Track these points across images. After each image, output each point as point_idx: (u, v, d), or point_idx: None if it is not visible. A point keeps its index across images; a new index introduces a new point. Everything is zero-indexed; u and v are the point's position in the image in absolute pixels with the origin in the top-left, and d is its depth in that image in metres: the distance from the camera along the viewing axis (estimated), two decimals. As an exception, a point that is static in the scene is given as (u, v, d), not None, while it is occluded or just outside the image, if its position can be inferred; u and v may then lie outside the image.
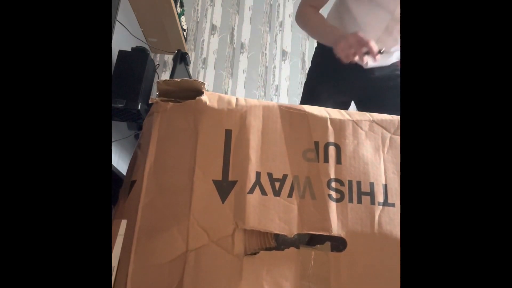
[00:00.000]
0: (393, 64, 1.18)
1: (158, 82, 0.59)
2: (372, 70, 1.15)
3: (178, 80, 0.58)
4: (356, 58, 0.87)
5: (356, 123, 0.60)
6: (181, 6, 2.02)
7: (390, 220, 0.56)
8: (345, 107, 1.15)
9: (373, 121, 0.61)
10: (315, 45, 1.29)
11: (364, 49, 0.86)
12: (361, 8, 1.05)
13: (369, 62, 1.10)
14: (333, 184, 0.56)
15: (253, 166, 0.55)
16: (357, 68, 1.14)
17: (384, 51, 0.86)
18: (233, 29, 2.64)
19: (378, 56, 0.86)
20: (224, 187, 0.54)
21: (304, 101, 1.22)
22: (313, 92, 1.19)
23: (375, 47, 0.85)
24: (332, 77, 1.17)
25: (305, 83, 1.26)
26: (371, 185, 0.57)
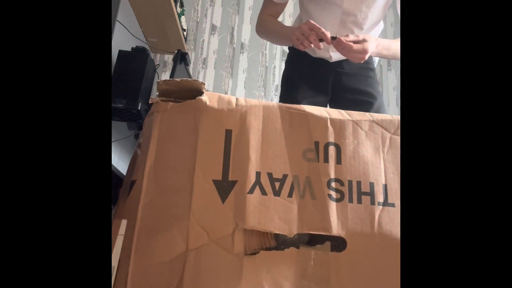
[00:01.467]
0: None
1: (158, 82, 0.59)
2: (340, 64, 1.17)
3: (178, 80, 0.58)
4: (311, 45, 0.92)
5: (356, 123, 0.60)
6: (181, 6, 2.02)
7: (390, 220, 0.56)
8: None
9: (373, 121, 0.61)
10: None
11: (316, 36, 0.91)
12: (314, 6, 1.10)
13: (332, 55, 1.14)
14: (333, 184, 0.56)
15: (253, 166, 0.55)
16: (327, 63, 1.17)
17: (337, 37, 0.91)
18: (233, 29, 2.64)
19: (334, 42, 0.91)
20: (224, 187, 0.54)
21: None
22: (289, 94, 1.20)
23: (327, 32, 0.90)
24: (306, 77, 1.19)
25: (281, 86, 1.27)
26: (371, 185, 0.57)
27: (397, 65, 2.75)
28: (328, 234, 0.53)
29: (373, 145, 0.60)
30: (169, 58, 2.49)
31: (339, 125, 0.59)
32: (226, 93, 2.51)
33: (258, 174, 0.55)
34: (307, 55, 1.19)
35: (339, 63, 1.17)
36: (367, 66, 1.18)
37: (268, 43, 2.64)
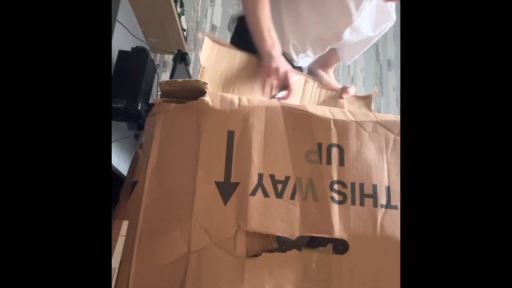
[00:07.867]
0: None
1: (160, 83, 0.59)
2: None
3: (181, 80, 0.57)
4: (268, 91, 0.77)
5: (359, 124, 0.60)
6: (181, 6, 2.02)
7: (393, 222, 0.55)
8: None
9: (377, 122, 0.61)
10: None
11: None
12: (311, 12, 0.92)
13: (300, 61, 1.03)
14: (335, 186, 0.56)
15: (256, 167, 0.55)
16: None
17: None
18: (233, 29, 2.63)
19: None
20: (226, 188, 0.53)
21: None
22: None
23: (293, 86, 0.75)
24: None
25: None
26: (374, 187, 0.57)
27: (397, 65, 2.74)
28: (330, 236, 0.53)
29: (377, 146, 0.59)
30: (169, 58, 2.48)
31: (342, 126, 0.59)
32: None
33: (260, 176, 0.54)
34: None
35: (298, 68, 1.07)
36: None
37: None
